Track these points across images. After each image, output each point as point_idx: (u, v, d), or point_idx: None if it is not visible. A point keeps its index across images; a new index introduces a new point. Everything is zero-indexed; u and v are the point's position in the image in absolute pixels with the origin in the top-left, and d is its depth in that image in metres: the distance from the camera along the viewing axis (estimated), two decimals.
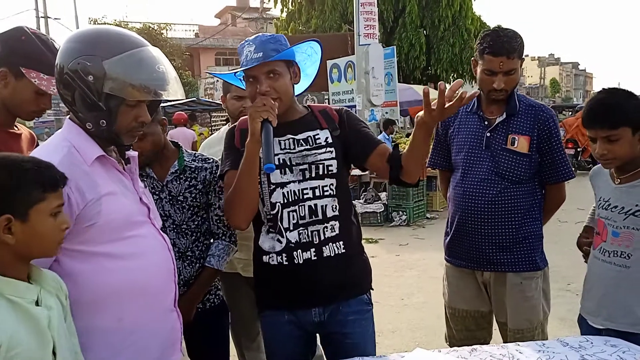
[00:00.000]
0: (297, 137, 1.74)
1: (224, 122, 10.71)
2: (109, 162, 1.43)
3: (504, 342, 2.17)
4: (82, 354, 1.32)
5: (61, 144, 1.38)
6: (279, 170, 1.70)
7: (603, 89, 1.85)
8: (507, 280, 2.16)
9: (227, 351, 2.16)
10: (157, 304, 1.48)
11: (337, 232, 1.72)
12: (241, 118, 1.86)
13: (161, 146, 1.96)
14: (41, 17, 22.14)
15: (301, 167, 1.71)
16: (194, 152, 2.12)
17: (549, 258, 2.27)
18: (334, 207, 1.72)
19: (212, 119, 16.60)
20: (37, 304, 1.17)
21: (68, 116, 1.46)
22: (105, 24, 21.37)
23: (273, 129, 1.62)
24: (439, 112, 1.52)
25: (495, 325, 2.33)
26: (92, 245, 1.36)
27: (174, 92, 1.40)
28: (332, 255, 1.71)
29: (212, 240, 2.06)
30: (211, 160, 2.09)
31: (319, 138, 1.75)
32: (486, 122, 2.19)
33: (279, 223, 1.70)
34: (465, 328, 2.31)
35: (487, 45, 2.07)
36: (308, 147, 1.73)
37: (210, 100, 15.64)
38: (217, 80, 16.33)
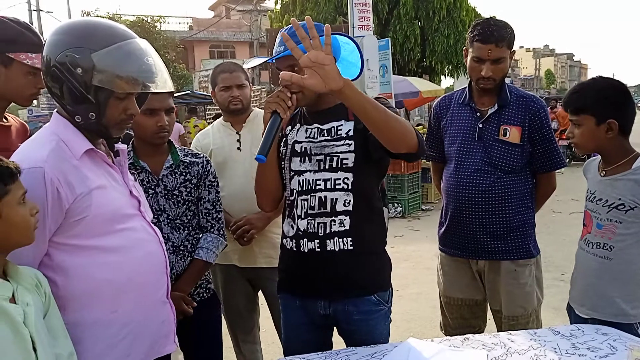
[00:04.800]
0: (322, 127, 1.72)
1: (216, 117, 10.68)
2: (98, 155, 1.42)
3: (498, 330, 2.19)
4: (75, 347, 1.32)
5: (49, 138, 1.37)
6: (299, 159, 1.72)
7: (595, 77, 1.87)
8: (501, 268, 2.18)
9: (219, 344, 2.16)
10: (150, 296, 1.48)
11: (346, 227, 1.66)
12: None
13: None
14: (33, 10, 21.94)
15: (318, 157, 1.70)
16: (183, 147, 2.12)
17: (543, 248, 2.28)
18: (347, 202, 1.67)
19: (207, 112, 16.54)
20: (14, 300, 1.17)
21: (55, 109, 1.44)
22: (98, 17, 21.17)
23: (303, 117, 1.71)
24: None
25: (490, 315, 2.35)
26: (83, 238, 1.35)
27: (162, 84, 1.39)
28: (336, 249, 1.67)
29: (201, 234, 2.06)
30: (201, 155, 2.10)
31: (341, 129, 1.70)
32: (478, 114, 2.19)
33: (294, 210, 1.72)
34: (460, 316, 2.32)
35: (477, 33, 2.08)
36: (329, 138, 1.70)
37: (205, 93, 15.57)
38: None
